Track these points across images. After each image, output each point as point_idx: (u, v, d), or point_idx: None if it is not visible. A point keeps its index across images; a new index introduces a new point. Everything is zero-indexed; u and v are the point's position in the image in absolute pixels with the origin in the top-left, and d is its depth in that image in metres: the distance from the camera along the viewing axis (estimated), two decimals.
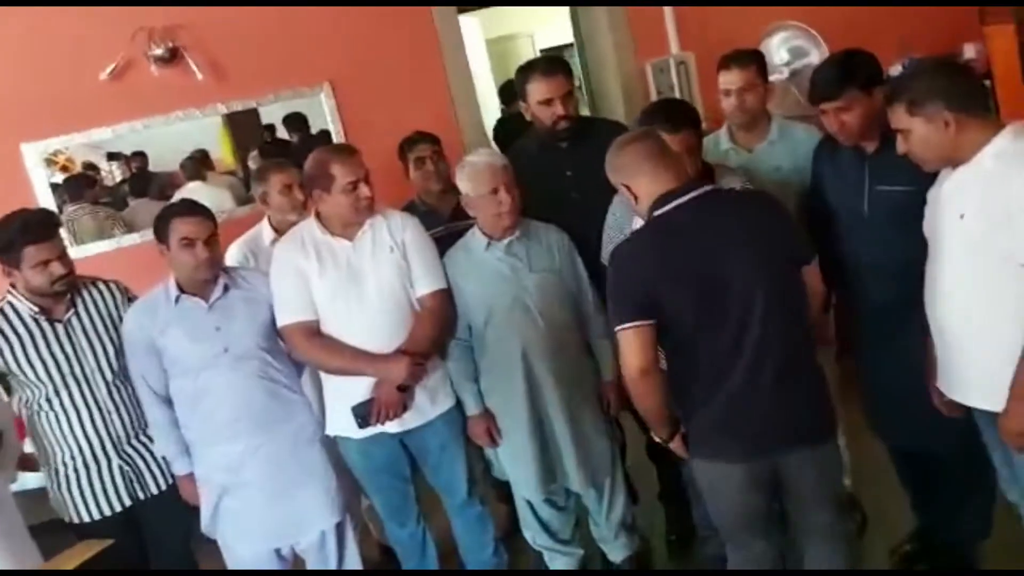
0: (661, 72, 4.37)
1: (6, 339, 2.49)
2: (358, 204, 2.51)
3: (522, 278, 2.60)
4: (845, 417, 2.74)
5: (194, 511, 2.67)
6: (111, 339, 2.58)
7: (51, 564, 2.22)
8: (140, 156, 4.04)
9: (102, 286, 2.66)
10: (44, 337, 2.51)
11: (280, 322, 2.57)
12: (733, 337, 2.02)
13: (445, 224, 2.99)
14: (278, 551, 2.69)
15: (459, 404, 2.70)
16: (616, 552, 2.89)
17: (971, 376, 2.02)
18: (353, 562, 2.78)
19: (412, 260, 2.59)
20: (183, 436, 2.61)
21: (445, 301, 2.62)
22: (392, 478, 2.74)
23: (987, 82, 3.93)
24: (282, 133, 4.18)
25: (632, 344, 2.04)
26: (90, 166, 4.00)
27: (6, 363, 2.49)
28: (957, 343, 2.04)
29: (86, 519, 2.58)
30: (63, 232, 3.72)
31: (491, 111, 6.87)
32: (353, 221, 2.56)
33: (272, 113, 4.14)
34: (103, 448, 2.57)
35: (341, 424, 2.63)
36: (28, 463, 2.76)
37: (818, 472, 2.15)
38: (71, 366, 2.52)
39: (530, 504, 2.79)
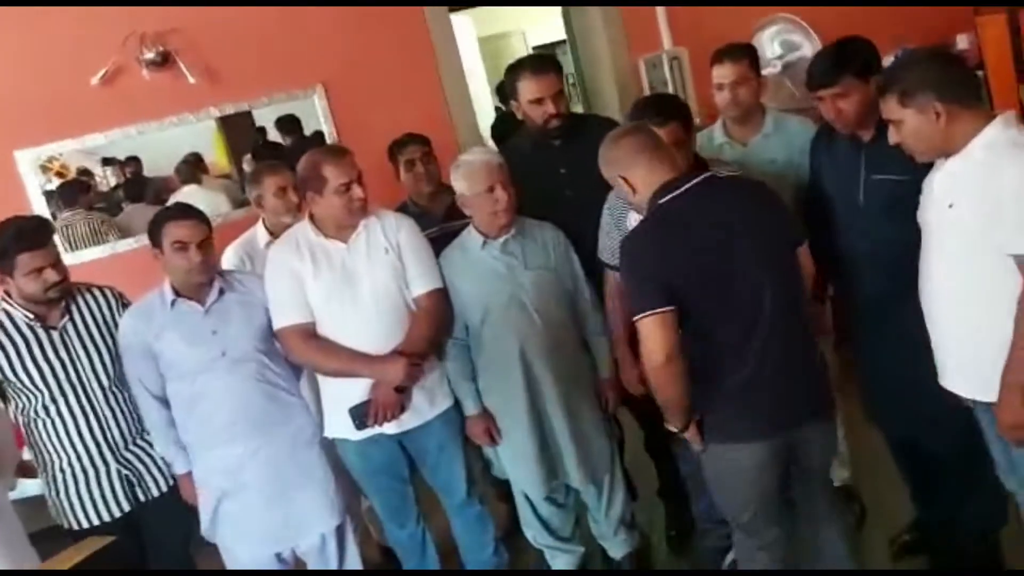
0: (654, 68, 4.37)
1: (1, 347, 2.48)
2: (351, 205, 2.51)
3: (518, 276, 2.60)
4: (843, 408, 2.74)
5: (194, 514, 2.67)
6: (106, 345, 2.58)
7: (50, 563, 2.21)
8: (134, 161, 4.04)
9: (97, 292, 2.65)
10: (39, 344, 2.50)
11: (276, 325, 2.57)
12: (745, 318, 2.06)
13: (439, 224, 2.98)
14: (279, 555, 2.69)
15: (457, 404, 2.70)
16: (616, 549, 2.89)
17: (965, 366, 2.02)
18: (354, 564, 2.78)
19: (407, 260, 2.59)
20: (181, 438, 2.61)
21: (441, 301, 2.61)
22: (391, 479, 2.74)
23: (980, 72, 3.93)
24: (274, 136, 4.17)
25: (655, 332, 2.02)
26: (84, 172, 4.00)
27: (2, 371, 2.49)
28: (950, 333, 2.05)
29: (85, 525, 2.58)
30: (57, 239, 3.75)
31: (485, 110, 6.88)
32: (347, 223, 2.55)
33: (265, 116, 4.14)
34: (100, 454, 2.56)
35: (339, 426, 2.62)
36: (27, 470, 2.76)
37: (823, 448, 2.26)
38: (67, 373, 2.52)
39: (530, 502, 2.79)
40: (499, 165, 2.56)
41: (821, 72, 2.33)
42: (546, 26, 7.81)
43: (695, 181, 2.10)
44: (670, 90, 4.27)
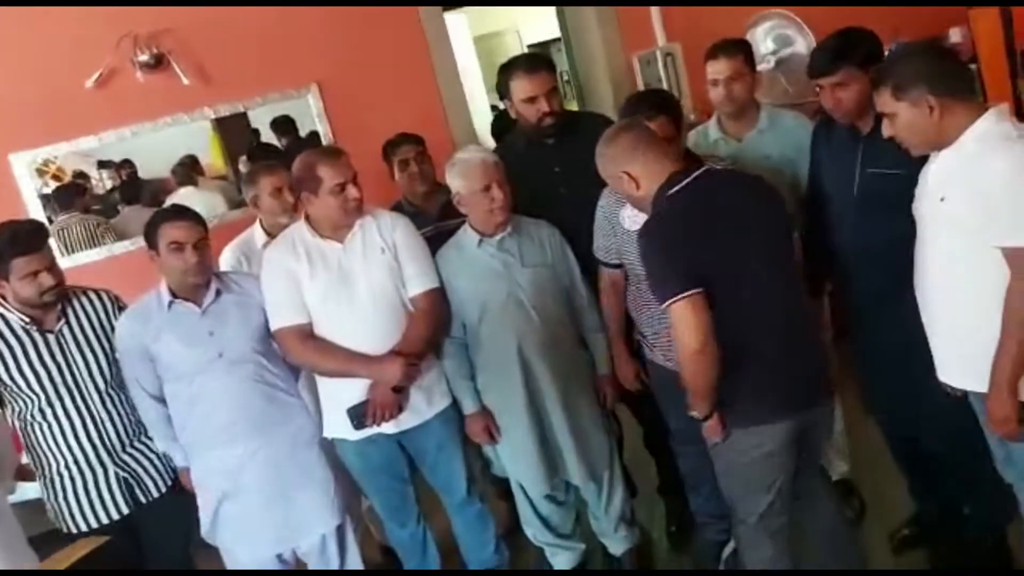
0: (648, 64, 4.38)
1: None
2: (347, 206, 2.51)
3: (515, 274, 2.60)
4: (842, 403, 2.75)
5: (193, 515, 2.67)
6: (103, 348, 2.58)
7: (48, 563, 2.21)
8: (128, 164, 4.03)
9: (92, 295, 2.65)
10: (35, 348, 2.50)
11: (273, 326, 2.57)
12: (762, 303, 2.09)
13: (434, 224, 2.98)
14: (280, 555, 2.69)
15: (455, 403, 2.70)
16: (616, 545, 2.89)
17: (959, 358, 2.03)
18: (355, 564, 2.78)
19: (404, 260, 2.59)
20: (179, 439, 2.61)
21: (438, 300, 2.61)
22: (390, 479, 2.74)
23: (973, 66, 3.93)
24: (269, 137, 4.17)
25: (688, 314, 2.02)
26: (80, 175, 3.99)
27: None
28: (944, 325, 2.06)
29: (83, 528, 2.57)
30: (53, 242, 3.75)
31: (481, 109, 6.88)
32: (342, 223, 2.55)
33: (260, 116, 4.14)
34: (98, 457, 2.56)
35: (338, 426, 2.62)
36: (26, 473, 2.76)
37: (826, 430, 2.34)
38: (63, 376, 2.51)
39: (530, 500, 2.79)
40: (495, 164, 2.56)
41: (822, 61, 2.34)
42: (540, 24, 7.81)
43: (698, 173, 2.12)
44: (664, 87, 4.28)
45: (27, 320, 2.49)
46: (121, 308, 2.67)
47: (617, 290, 2.66)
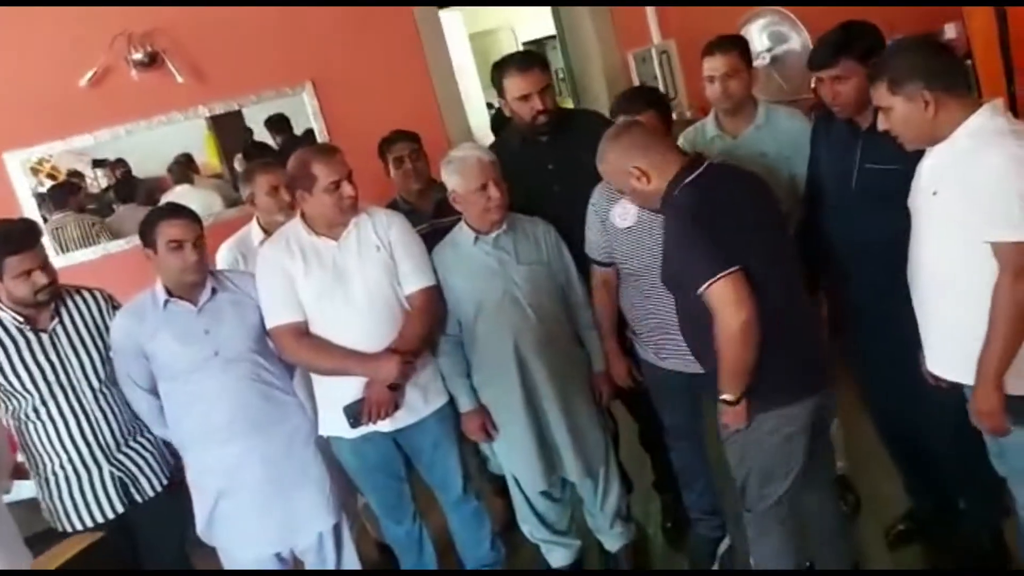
0: (644, 62, 4.38)
1: None
2: (341, 203, 2.50)
3: (510, 271, 2.60)
4: (838, 399, 2.75)
5: (189, 515, 2.66)
6: (96, 347, 2.57)
7: (38, 562, 2.20)
8: (122, 163, 4.03)
9: (86, 294, 2.64)
10: (29, 347, 2.49)
11: (268, 324, 2.56)
12: (782, 285, 2.12)
13: (428, 221, 2.98)
14: (278, 554, 2.69)
15: (452, 400, 2.70)
16: (612, 542, 2.90)
17: (951, 351, 2.03)
18: (351, 562, 2.78)
19: (399, 258, 2.58)
20: (173, 439, 2.61)
21: (434, 298, 2.61)
22: (386, 477, 2.73)
23: (968, 61, 3.94)
24: (262, 135, 4.17)
25: (731, 293, 2.01)
26: (75, 173, 3.99)
27: None
28: (936, 318, 2.07)
29: (79, 527, 2.57)
30: (48, 241, 3.75)
31: (476, 106, 6.87)
32: (337, 221, 2.54)
33: (255, 114, 4.14)
34: (93, 456, 2.56)
35: (334, 424, 2.62)
36: (23, 472, 2.75)
37: (831, 414, 2.40)
38: (57, 375, 2.51)
39: (526, 497, 2.79)
40: (491, 162, 2.55)
41: (822, 54, 2.34)
42: (535, 22, 7.82)
43: (706, 166, 2.16)
44: (660, 84, 4.29)
45: (20, 319, 2.49)
46: (115, 307, 2.66)
47: (609, 288, 2.66)
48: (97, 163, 4.02)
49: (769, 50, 4.17)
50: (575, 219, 2.66)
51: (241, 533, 2.62)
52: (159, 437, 2.66)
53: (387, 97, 4.13)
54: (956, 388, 2.08)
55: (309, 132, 4.16)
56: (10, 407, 2.54)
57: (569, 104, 5.24)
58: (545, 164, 2.83)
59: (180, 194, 3.99)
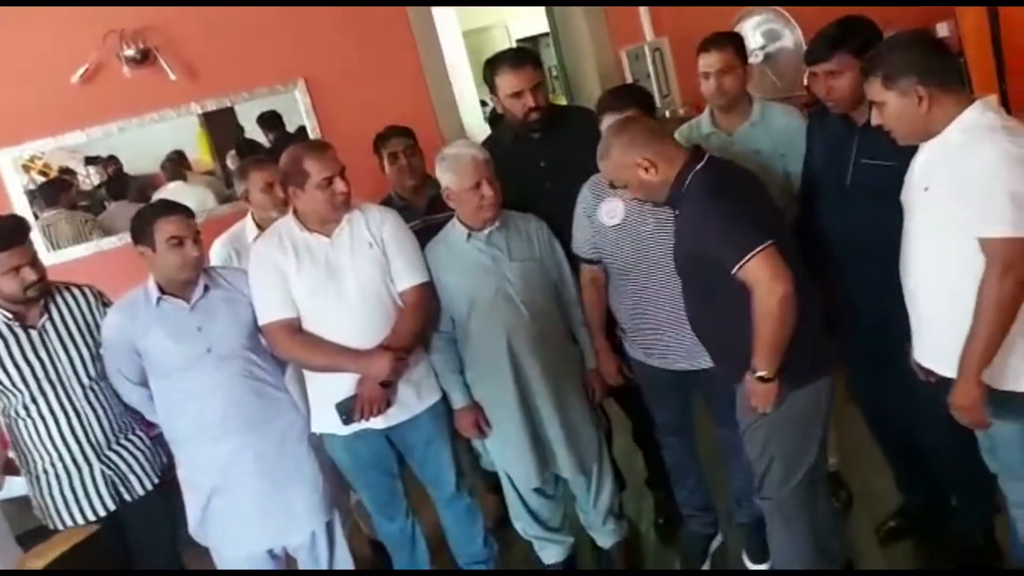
0: (637, 59, 4.38)
1: None
2: (334, 200, 2.49)
3: (503, 268, 2.59)
4: None
5: (180, 513, 2.66)
6: (86, 344, 2.56)
7: (31, 555, 2.20)
8: (114, 160, 4.02)
9: (76, 291, 2.63)
10: (19, 344, 2.48)
11: (261, 320, 2.55)
12: (795, 266, 2.12)
13: (422, 217, 2.98)
14: (270, 551, 2.68)
15: (445, 397, 2.69)
16: (605, 538, 2.90)
17: (941, 345, 2.04)
18: (344, 559, 2.78)
19: (392, 254, 2.58)
20: (166, 436, 2.60)
21: (427, 294, 2.61)
22: (379, 474, 2.73)
23: (960, 60, 3.95)
24: (254, 132, 4.16)
25: (770, 265, 2.03)
26: (67, 171, 3.98)
27: None
28: (927, 313, 2.08)
29: (70, 525, 2.56)
30: (39, 238, 3.74)
31: (469, 103, 6.87)
32: (330, 217, 2.54)
33: (248, 112, 4.13)
34: (83, 453, 2.55)
35: (326, 421, 2.61)
36: (13, 467, 2.74)
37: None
38: (46, 372, 2.50)
39: (519, 494, 2.79)
40: (485, 161, 2.55)
41: (818, 48, 2.34)
42: (529, 19, 7.81)
43: (708, 157, 2.20)
44: (653, 81, 4.29)
45: (9, 316, 2.48)
46: (105, 304, 2.65)
47: (597, 286, 2.66)
48: (89, 160, 4.01)
49: (762, 48, 4.17)
50: (567, 216, 2.65)
51: (234, 530, 2.61)
52: (151, 434, 2.65)
53: (380, 94, 4.13)
54: (947, 384, 2.09)
55: (301, 129, 4.15)
56: (0, 404, 2.53)
57: (563, 101, 5.24)
58: (537, 161, 2.83)
59: (173, 191, 3.98)
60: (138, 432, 2.67)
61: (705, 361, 2.50)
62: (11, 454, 2.70)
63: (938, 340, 2.03)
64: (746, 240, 2.05)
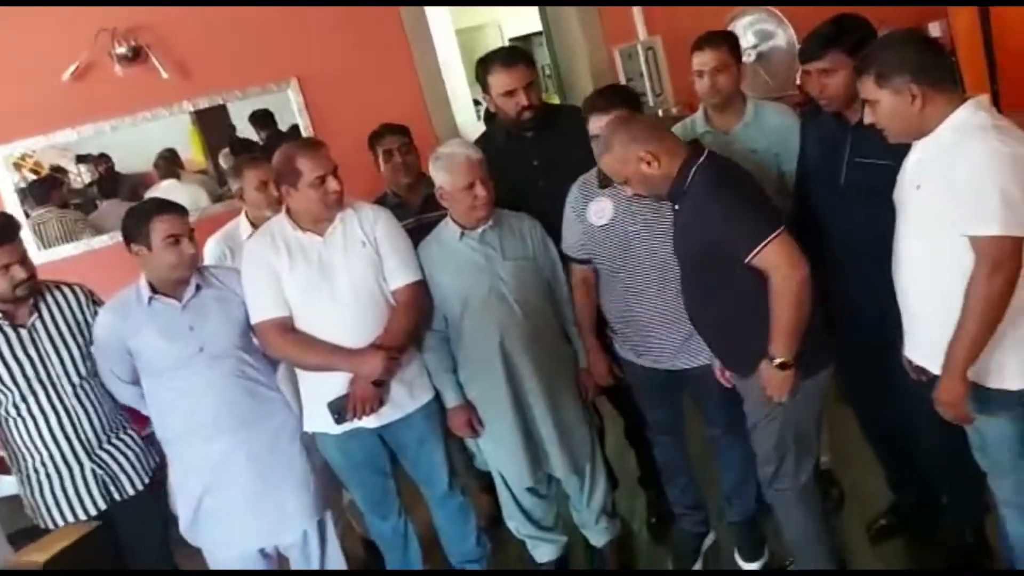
0: (630, 58, 4.38)
1: None
2: (326, 198, 2.49)
3: (496, 267, 2.59)
4: None
5: (171, 513, 2.65)
6: (76, 343, 2.55)
7: (32, 548, 2.19)
8: (105, 158, 4.00)
9: (66, 289, 2.62)
10: (8, 343, 2.47)
11: (253, 319, 2.55)
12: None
13: (416, 215, 2.98)
14: (262, 550, 2.68)
15: (438, 396, 2.69)
16: (598, 537, 2.90)
17: (933, 344, 2.04)
18: (336, 558, 2.77)
19: (385, 253, 2.57)
20: (157, 436, 2.59)
21: (420, 293, 2.60)
22: (372, 473, 2.73)
23: (951, 59, 3.97)
24: (246, 131, 4.15)
25: (787, 249, 2.08)
26: (58, 169, 3.96)
27: None
28: (918, 312, 2.09)
29: (60, 524, 2.55)
30: (30, 236, 3.72)
31: (462, 102, 6.87)
32: (323, 215, 2.53)
33: (240, 110, 4.12)
34: (74, 453, 2.54)
35: (319, 420, 2.61)
36: (3, 466, 2.73)
37: None
38: (36, 371, 2.48)
39: (512, 493, 2.79)
40: (479, 161, 2.54)
41: (811, 46, 2.34)
42: (522, 18, 7.82)
43: (708, 152, 2.24)
44: (646, 80, 4.29)
45: None
46: (95, 302, 2.64)
47: (587, 286, 2.66)
48: (80, 158, 3.99)
49: (755, 47, 4.18)
50: (560, 215, 2.65)
51: (226, 530, 2.60)
52: (142, 433, 2.64)
53: (373, 93, 4.12)
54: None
55: (294, 128, 4.14)
56: None
57: (556, 100, 5.25)
58: (530, 160, 2.83)
59: (167, 189, 3.97)
60: (129, 431, 2.66)
61: (693, 360, 2.50)
62: (1, 453, 2.69)
63: (930, 338, 2.04)
64: (761, 227, 2.09)
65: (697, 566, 2.88)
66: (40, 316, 2.52)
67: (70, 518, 2.55)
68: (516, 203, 2.71)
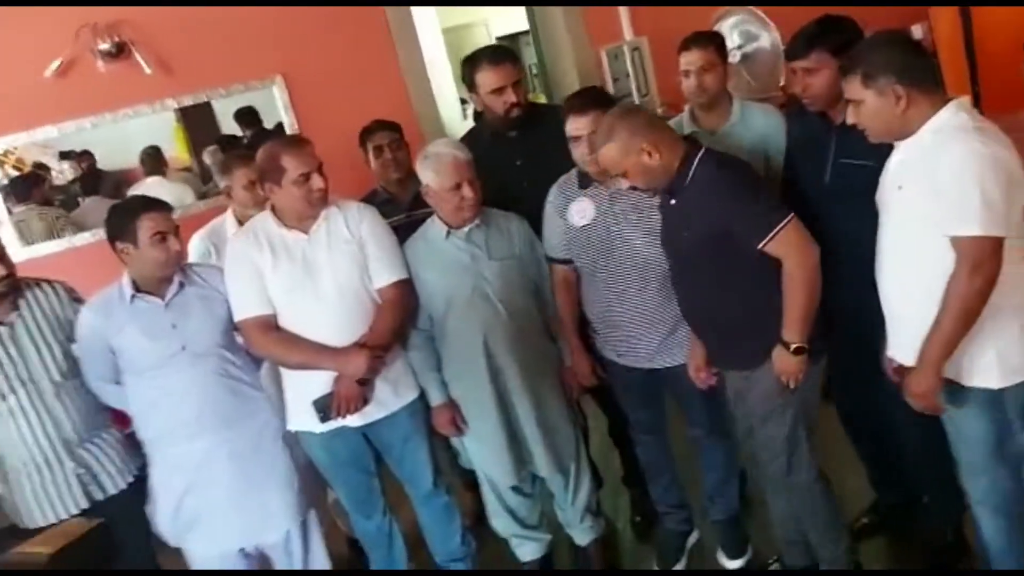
0: (616, 58, 4.40)
1: None
2: (311, 196, 2.48)
3: (481, 267, 2.59)
4: None
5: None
6: (57, 340, 2.53)
7: (37, 540, 2.17)
8: (88, 155, 3.97)
9: (46, 287, 2.59)
10: None
11: (236, 317, 2.54)
12: None
13: (406, 212, 2.98)
14: (242, 549, 2.66)
15: (423, 395, 2.69)
16: (582, 536, 2.91)
17: (916, 343, 2.05)
18: (319, 557, 2.76)
19: (370, 251, 2.56)
20: (139, 435, 2.58)
21: (405, 292, 2.60)
22: (356, 472, 2.72)
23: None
24: (231, 129, 4.12)
25: (799, 234, 2.13)
26: (40, 166, 3.93)
27: None
28: (901, 312, 2.10)
29: (41, 523, 2.52)
30: (12, 233, 3.69)
31: (449, 101, 6.86)
32: (307, 213, 2.52)
33: (226, 108, 4.10)
34: (54, 452, 2.51)
35: (303, 419, 2.60)
36: None
37: None
38: (16, 369, 2.46)
39: (496, 492, 2.79)
40: (467, 162, 2.54)
41: (796, 44, 2.36)
42: (509, 17, 7.81)
43: (705, 147, 2.27)
44: (632, 80, 4.31)
45: None
46: (76, 299, 2.61)
47: (569, 286, 2.66)
48: (63, 155, 3.96)
49: (739, 48, 4.20)
50: (542, 214, 2.66)
51: (207, 529, 2.58)
52: (125, 431, 2.62)
53: (359, 91, 4.11)
54: None
55: (279, 126, 4.12)
56: None
57: (542, 100, 5.25)
58: (514, 160, 2.84)
59: (151, 186, 3.95)
60: (111, 430, 2.64)
61: (673, 360, 2.51)
62: None
63: (912, 338, 2.05)
64: (773, 212, 2.13)
65: (681, 565, 2.89)
66: (20, 314, 2.50)
67: (51, 517, 2.53)
68: (501, 203, 2.71)
